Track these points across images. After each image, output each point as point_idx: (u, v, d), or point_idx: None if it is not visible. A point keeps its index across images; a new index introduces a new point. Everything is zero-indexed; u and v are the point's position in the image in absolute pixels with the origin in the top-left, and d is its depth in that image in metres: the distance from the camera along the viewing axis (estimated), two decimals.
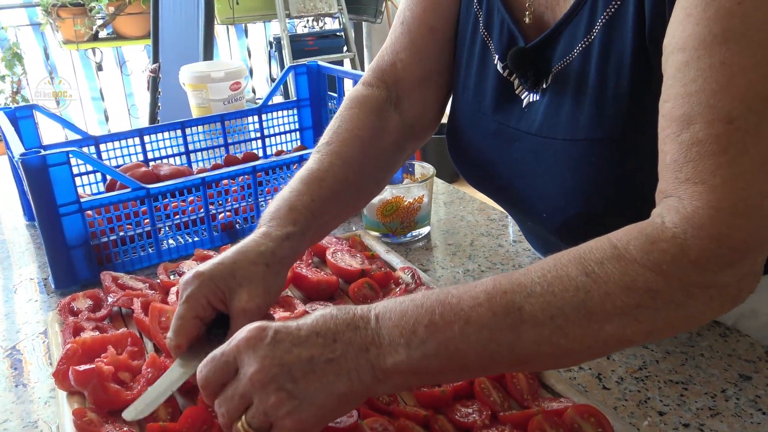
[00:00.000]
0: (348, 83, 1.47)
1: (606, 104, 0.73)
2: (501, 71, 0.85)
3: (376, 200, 1.14)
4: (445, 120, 1.00)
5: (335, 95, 1.49)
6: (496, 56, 0.85)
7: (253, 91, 4.18)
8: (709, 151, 0.57)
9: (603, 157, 0.74)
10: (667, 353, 0.85)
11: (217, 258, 0.75)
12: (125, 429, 0.69)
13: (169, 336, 0.72)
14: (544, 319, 0.57)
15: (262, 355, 0.59)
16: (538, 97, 0.81)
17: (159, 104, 2.88)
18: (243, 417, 0.59)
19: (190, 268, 0.99)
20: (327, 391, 0.59)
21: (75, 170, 1.02)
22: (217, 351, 0.63)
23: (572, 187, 0.77)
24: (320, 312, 0.63)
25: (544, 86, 0.80)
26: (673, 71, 0.61)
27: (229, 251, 0.76)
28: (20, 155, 0.96)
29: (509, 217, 1.26)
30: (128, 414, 0.67)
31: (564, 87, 0.77)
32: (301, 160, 1.21)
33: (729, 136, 0.56)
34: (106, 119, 3.99)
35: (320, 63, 1.54)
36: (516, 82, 0.84)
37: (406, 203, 1.14)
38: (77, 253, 1.04)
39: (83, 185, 1.33)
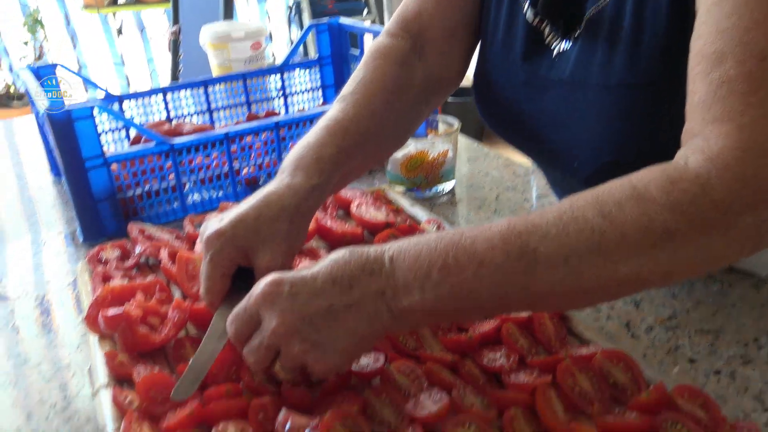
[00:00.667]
0: (369, 39, 1.45)
1: (641, 48, 0.71)
2: (531, 19, 0.83)
3: (399, 155, 1.13)
4: (466, 83, 0.99)
5: (356, 53, 1.47)
6: (526, 3, 0.83)
7: (273, 57, 4.15)
8: (739, 90, 0.55)
9: (637, 104, 0.72)
10: (698, 303, 0.84)
11: (239, 211, 0.74)
12: (156, 369, 0.70)
13: (202, 294, 0.74)
14: (558, 260, 0.56)
15: (282, 309, 0.60)
16: (569, 45, 0.79)
17: (180, 66, 2.88)
18: (277, 362, 0.63)
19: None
20: (349, 335, 0.60)
21: (99, 129, 1.02)
22: (239, 307, 0.64)
23: (605, 135, 0.75)
24: (333, 256, 0.63)
25: (576, 33, 0.78)
26: (708, 6, 0.59)
27: (252, 202, 0.75)
28: (46, 109, 0.97)
29: (534, 173, 1.24)
30: (177, 394, 0.66)
31: (597, 32, 0.75)
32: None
33: (761, 74, 0.55)
34: (128, 85, 4.01)
35: (341, 20, 1.52)
36: (546, 30, 0.82)
37: (430, 158, 1.13)
38: (104, 206, 1.05)
39: (107, 143, 1.34)
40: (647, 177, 0.57)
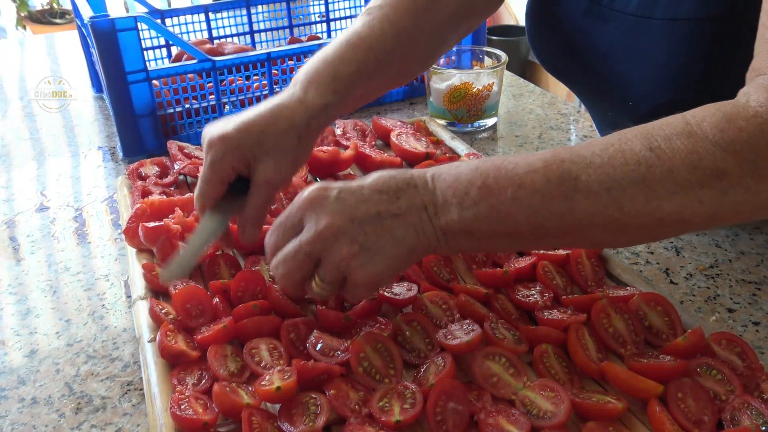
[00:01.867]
0: None
1: None
2: None
3: (443, 86, 1.11)
4: (510, 21, 0.94)
5: None
6: None
7: None
8: None
9: (704, 39, 0.68)
10: (741, 254, 0.82)
11: (246, 118, 0.70)
12: (192, 283, 0.71)
13: (196, 197, 0.71)
14: (600, 190, 0.54)
15: (332, 211, 0.58)
16: None
17: None
18: (315, 275, 0.60)
19: None
20: (397, 243, 0.58)
21: (141, 45, 1.01)
22: (281, 217, 0.62)
23: (667, 70, 0.71)
24: (377, 173, 0.61)
25: None
26: None
27: (260, 111, 0.70)
28: (90, 18, 0.96)
29: (580, 113, 1.21)
30: (163, 275, 0.66)
31: None
32: None
33: None
34: (169, 4, 3.97)
35: None
36: None
37: (474, 90, 1.10)
38: (144, 122, 1.05)
39: (149, 60, 1.33)
40: (702, 114, 0.54)
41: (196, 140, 1.10)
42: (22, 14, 3.66)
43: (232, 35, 1.40)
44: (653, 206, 0.53)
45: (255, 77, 1.15)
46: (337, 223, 0.58)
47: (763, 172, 0.52)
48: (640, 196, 0.53)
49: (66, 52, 1.66)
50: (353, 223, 0.58)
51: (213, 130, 0.70)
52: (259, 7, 1.41)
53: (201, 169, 0.71)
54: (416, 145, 0.99)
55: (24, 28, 3.68)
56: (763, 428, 0.55)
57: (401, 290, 0.71)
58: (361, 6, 1.52)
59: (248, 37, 1.41)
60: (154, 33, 1.31)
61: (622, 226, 0.55)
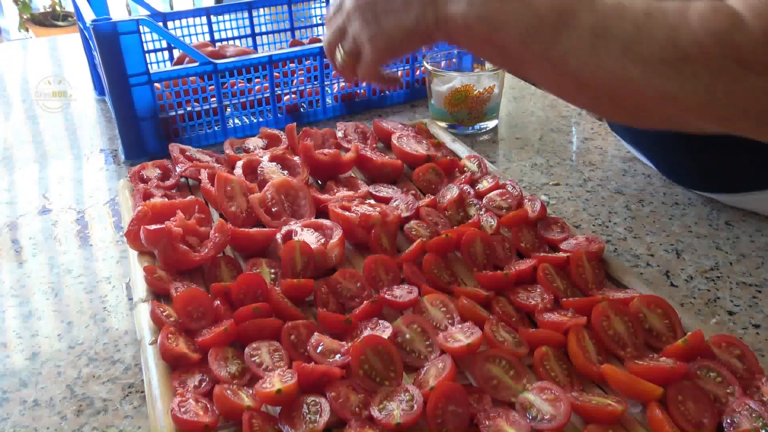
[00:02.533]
0: None
1: None
2: None
3: (444, 88, 1.11)
4: None
5: None
6: None
7: None
8: None
9: None
10: (742, 256, 0.82)
11: None
12: (193, 286, 0.71)
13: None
14: (584, 33, 0.57)
15: None
16: None
17: None
18: (339, 45, 0.76)
19: (256, 145, 0.99)
20: (398, 24, 0.69)
21: (143, 47, 1.01)
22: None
23: None
24: None
25: None
26: None
27: None
28: (92, 21, 0.96)
29: (581, 115, 1.21)
30: None
31: None
32: None
33: None
34: (171, 8, 3.98)
35: None
36: None
37: (475, 92, 1.10)
38: (146, 125, 1.05)
39: (151, 63, 1.33)
40: (697, 3, 0.54)
41: (197, 143, 1.11)
42: (25, 17, 3.67)
43: (233, 38, 1.41)
44: (622, 65, 0.55)
45: (257, 80, 1.15)
46: (357, 2, 0.72)
47: (729, 64, 0.52)
48: (616, 50, 0.56)
49: (68, 55, 1.67)
50: (368, 5, 0.71)
51: None
52: (261, 9, 1.41)
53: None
54: (417, 148, 0.99)
55: (27, 30, 3.69)
56: (763, 431, 0.55)
57: (401, 293, 0.72)
58: None
59: (250, 39, 1.41)
60: (156, 36, 1.31)
61: (590, 75, 0.58)
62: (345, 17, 0.74)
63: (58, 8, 3.76)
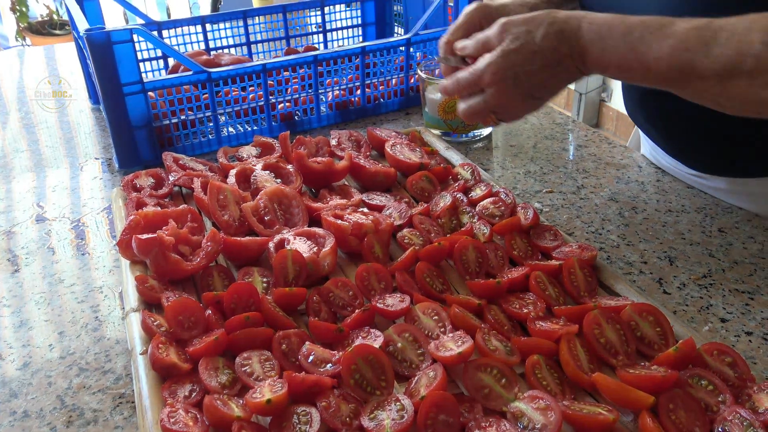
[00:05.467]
0: None
1: None
2: None
3: (438, 96, 1.11)
4: None
5: None
6: None
7: None
8: None
9: None
10: (735, 263, 0.82)
11: None
12: (184, 295, 0.71)
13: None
14: (711, 77, 0.64)
15: (507, 87, 0.74)
16: None
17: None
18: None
19: (250, 154, 0.99)
20: (551, 92, 0.76)
21: (138, 57, 1.01)
22: (469, 75, 0.77)
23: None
24: (541, 22, 0.72)
25: None
26: None
27: None
28: (86, 31, 0.96)
29: (575, 122, 1.21)
30: None
31: None
32: (364, 51, 1.18)
33: None
34: (168, 17, 3.99)
35: None
36: None
37: None
38: (140, 134, 1.05)
39: (146, 71, 1.33)
40: None
41: (191, 151, 1.11)
42: (22, 25, 3.67)
43: (229, 46, 1.41)
44: (753, 91, 0.62)
45: (251, 88, 1.15)
46: (511, 97, 0.75)
47: None
48: (744, 84, 0.62)
49: (65, 63, 1.67)
50: (521, 89, 0.74)
51: None
52: (256, 18, 1.42)
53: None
54: (411, 156, 0.99)
55: (24, 39, 3.69)
56: None
57: (393, 301, 0.71)
58: (358, 17, 1.52)
59: (245, 48, 1.41)
60: (151, 45, 1.32)
61: (727, 99, 0.65)
62: (497, 106, 0.77)
63: (55, 17, 3.76)
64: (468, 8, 0.85)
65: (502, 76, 0.74)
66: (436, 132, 1.14)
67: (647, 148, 1.09)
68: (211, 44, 1.39)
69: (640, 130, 1.08)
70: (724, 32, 0.63)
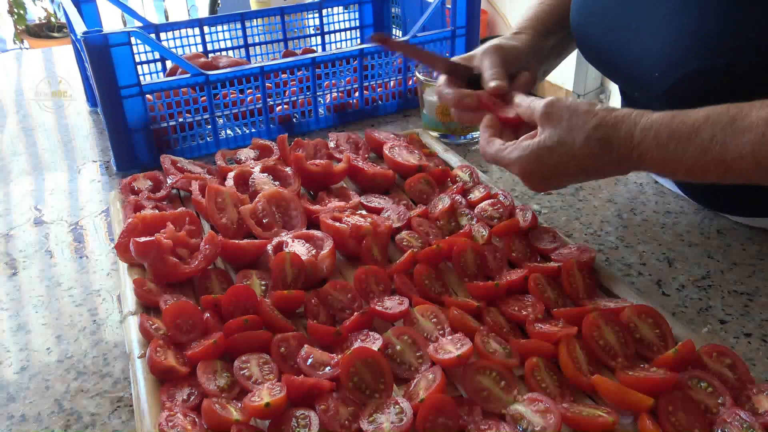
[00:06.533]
0: None
1: None
2: None
3: (436, 98, 1.10)
4: (504, 32, 0.95)
5: None
6: None
7: None
8: None
9: (741, 1, 0.68)
10: (734, 264, 0.82)
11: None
12: (182, 298, 0.71)
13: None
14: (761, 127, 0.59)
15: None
16: None
17: (219, 2, 2.85)
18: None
19: (248, 156, 0.99)
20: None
21: (135, 59, 1.01)
22: (509, 153, 0.72)
23: (698, 36, 0.70)
24: (585, 151, 0.67)
25: None
26: None
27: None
28: (83, 33, 0.96)
29: None
30: None
31: None
32: (362, 54, 1.18)
33: None
34: (166, 19, 3.99)
35: None
36: None
37: None
38: (138, 136, 1.05)
39: (143, 74, 1.33)
40: None
41: (189, 154, 1.10)
42: (20, 28, 3.67)
43: (227, 48, 1.41)
44: None
45: (249, 91, 1.15)
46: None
47: None
48: None
49: (63, 66, 1.66)
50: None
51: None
52: (254, 20, 1.42)
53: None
54: (409, 158, 0.99)
55: (22, 42, 3.69)
56: None
57: (392, 304, 0.71)
58: (356, 20, 1.52)
59: (243, 50, 1.41)
60: (148, 47, 1.31)
61: None
62: (516, 174, 0.73)
63: (53, 20, 3.76)
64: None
65: (530, 172, 0.71)
66: (435, 134, 1.14)
67: None
68: (209, 47, 1.39)
69: None
70: None
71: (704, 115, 0.62)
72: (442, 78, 0.85)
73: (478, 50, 0.85)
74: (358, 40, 1.54)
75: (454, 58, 0.87)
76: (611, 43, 0.84)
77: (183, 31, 1.36)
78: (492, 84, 0.79)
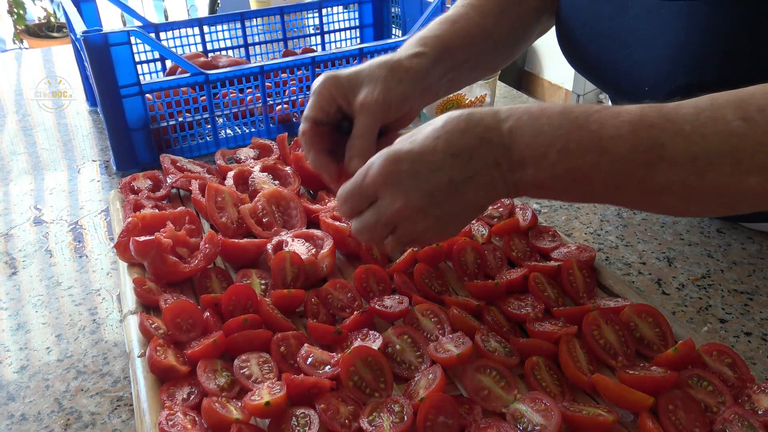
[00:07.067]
0: None
1: None
2: None
3: None
4: None
5: None
6: None
7: None
8: None
9: (725, 19, 0.67)
10: (734, 264, 0.82)
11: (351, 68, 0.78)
12: (182, 297, 0.71)
13: (301, 131, 0.77)
14: (685, 160, 0.52)
15: (406, 189, 0.59)
16: None
17: (218, 1, 2.85)
18: (390, 237, 0.63)
19: (248, 155, 0.99)
20: (469, 206, 0.61)
21: (135, 59, 1.01)
22: (355, 186, 0.63)
23: (686, 50, 0.70)
24: (448, 124, 0.59)
25: None
26: None
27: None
28: (83, 33, 0.96)
29: None
30: None
31: None
32: (362, 53, 1.18)
33: None
34: (166, 19, 3.99)
35: None
36: None
37: (467, 102, 1.10)
38: (138, 136, 1.05)
39: (143, 74, 1.33)
40: None
41: (189, 154, 1.10)
42: (20, 28, 3.67)
43: (226, 48, 1.41)
44: (737, 179, 0.51)
45: (248, 90, 1.15)
46: (412, 202, 0.59)
47: None
48: (725, 167, 0.52)
49: (62, 66, 1.66)
50: (427, 198, 0.59)
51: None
52: (254, 20, 1.42)
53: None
54: None
55: (21, 41, 3.69)
56: None
57: (392, 303, 0.71)
58: (355, 19, 1.52)
59: (243, 49, 1.41)
60: (148, 47, 1.31)
61: (699, 195, 0.54)
62: (394, 218, 0.61)
63: (53, 19, 3.76)
64: (315, 87, 0.76)
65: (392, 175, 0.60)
66: None
67: None
68: (209, 46, 1.39)
69: None
70: (686, 107, 0.54)
71: (578, 105, 0.60)
72: (305, 124, 0.77)
73: (366, 76, 0.75)
74: (358, 40, 1.54)
75: (341, 71, 0.77)
76: (601, 56, 0.84)
77: (183, 30, 1.36)
78: (352, 164, 0.72)
